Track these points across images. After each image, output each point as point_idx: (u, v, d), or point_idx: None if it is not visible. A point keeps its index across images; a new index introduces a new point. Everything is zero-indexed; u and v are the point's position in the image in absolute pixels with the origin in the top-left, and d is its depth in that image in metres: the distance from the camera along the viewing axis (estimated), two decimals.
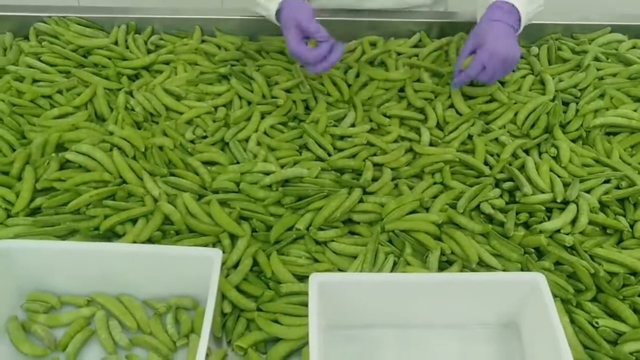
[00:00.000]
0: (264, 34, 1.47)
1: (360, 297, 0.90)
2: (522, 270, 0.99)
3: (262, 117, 1.25)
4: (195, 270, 0.93)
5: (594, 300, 0.98)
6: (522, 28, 1.27)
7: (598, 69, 1.36)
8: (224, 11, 1.50)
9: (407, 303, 0.91)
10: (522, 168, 1.15)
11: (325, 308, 0.89)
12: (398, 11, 1.52)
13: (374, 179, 1.14)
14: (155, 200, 1.07)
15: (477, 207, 1.08)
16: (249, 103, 1.29)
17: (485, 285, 0.90)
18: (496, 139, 1.23)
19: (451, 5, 1.64)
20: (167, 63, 1.38)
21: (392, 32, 1.49)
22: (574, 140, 1.24)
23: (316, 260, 1.02)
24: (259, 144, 1.18)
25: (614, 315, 0.96)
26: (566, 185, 1.12)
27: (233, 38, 1.45)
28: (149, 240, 1.02)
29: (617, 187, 1.13)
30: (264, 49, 1.43)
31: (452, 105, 1.30)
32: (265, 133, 1.21)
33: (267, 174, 1.11)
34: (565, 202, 1.09)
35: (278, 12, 1.26)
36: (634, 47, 1.45)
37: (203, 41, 1.45)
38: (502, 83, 1.35)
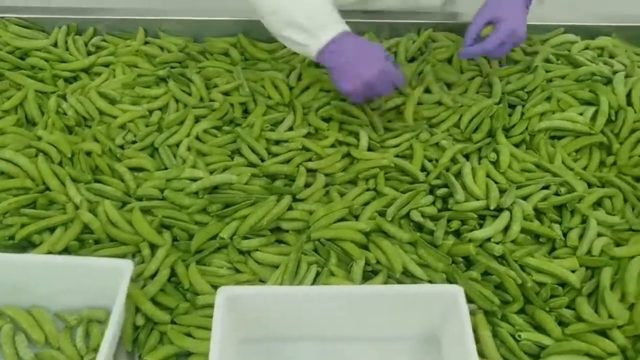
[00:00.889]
0: (210, 35, 1.44)
1: (274, 310, 0.88)
2: (448, 280, 0.96)
3: (198, 121, 1.22)
4: (107, 281, 0.90)
5: (521, 311, 0.95)
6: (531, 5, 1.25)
7: (547, 71, 1.33)
8: (170, 12, 1.47)
9: (323, 316, 0.88)
10: (459, 174, 1.12)
11: (238, 321, 0.87)
12: (404, 12, 1.49)
13: (308, 185, 1.11)
14: (77, 208, 1.04)
15: (409, 214, 1.05)
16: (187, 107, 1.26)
17: (403, 298, 0.87)
18: (437, 144, 1.20)
19: (460, 7, 1.60)
20: (107, 65, 1.35)
21: (398, 34, 1.46)
22: (517, 145, 1.20)
23: (238, 271, 0.99)
24: (189, 149, 1.15)
25: (540, 327, 0.93)
26: (503, 191, 1.09)
27: (177, 39, 1.42)
28: (66, 250, 0.99)
29: (557, 194, 1.10)
30: (208, 50, 1.39)
31: (396, 107, 1.28)
32: (197, 138, 1.18)
33: (195, 180, 1.08)
34: (500, 210, 1.06)
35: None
36: (586, 48, 1.41)
37: (147, 43, 1.42)
38: (449, 85, 1.32)
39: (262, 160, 1.15)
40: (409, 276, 0.97)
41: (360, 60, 1.12)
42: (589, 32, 1.47)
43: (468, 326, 0.81)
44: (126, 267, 0.89)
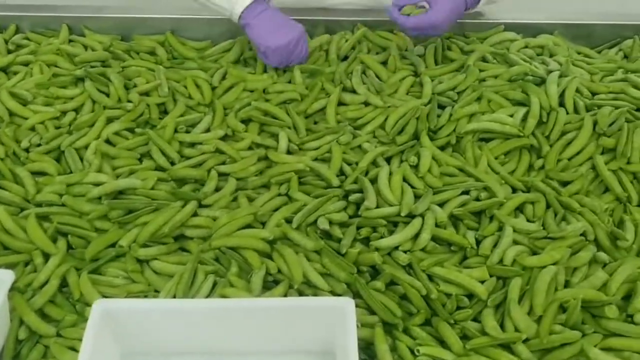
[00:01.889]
0: (139, 33, 1.39)
1: (157, 323, 0.83)
2: (350, 290, 0.92)
3: (112, 122, 1.17)
4: None
5: (426, 324, 0.91)
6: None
7: (481, 70, 1.28)
8: (97, 9, 1.42)
9: (211, 330, 0.84)
10: (376, 178, 1.08)
11: (118, 335, 0.82)
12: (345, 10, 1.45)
13: (219, 190, 1.07)
14: None
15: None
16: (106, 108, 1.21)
17: (293, 311, 0.83)
18: (360, 146, 1.15)
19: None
20: (27, 64, 1.30)
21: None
22: (443, 147, 1.16)
23: (133, 281, 0.95)
24: (95, 152, 1.11)
25: (443, 341, 0.88)
26: (420, 197, 1.04)
27: (103, 37, 1.37)
28: None
29: (477, 199, 1.06)
30: (134, 49, 1.35)
31: (323, 108, 1.23)
32: (108, 140, 1.13)
33: (98, 185, 1.04)
34: (414, 216, 1.01)
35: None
36: (525, 47, 1.37)
37: (71, 41, 1.37)
38: (379, 85, 1.27)
39: (173, 163, 1.10)
40: (310, 286, 0.93)
41: (271, 30, 1.23)
42: (531, 30, 1.42)
43: (353, 341, 0.77)
44: (6, 277, 0.85)
